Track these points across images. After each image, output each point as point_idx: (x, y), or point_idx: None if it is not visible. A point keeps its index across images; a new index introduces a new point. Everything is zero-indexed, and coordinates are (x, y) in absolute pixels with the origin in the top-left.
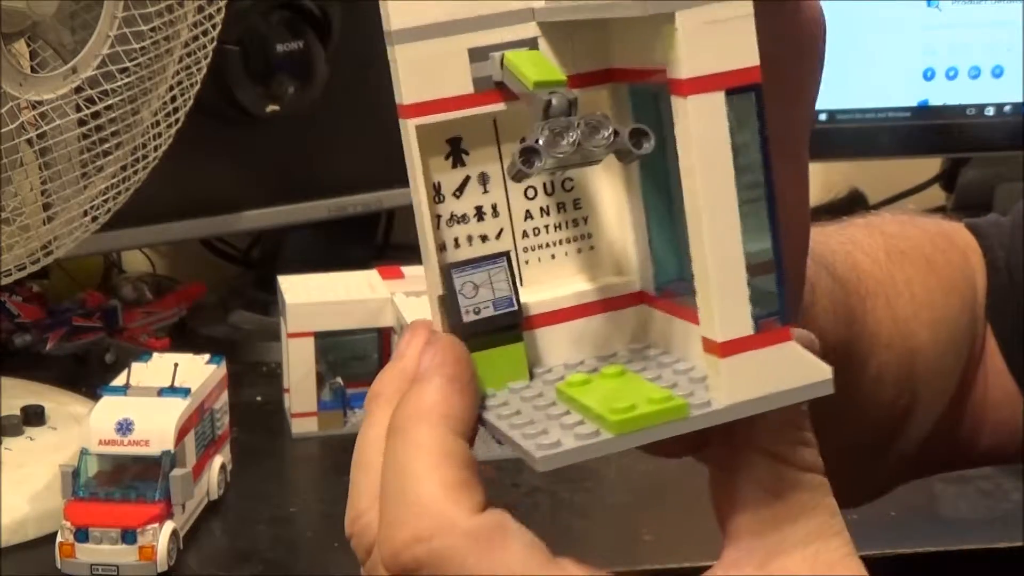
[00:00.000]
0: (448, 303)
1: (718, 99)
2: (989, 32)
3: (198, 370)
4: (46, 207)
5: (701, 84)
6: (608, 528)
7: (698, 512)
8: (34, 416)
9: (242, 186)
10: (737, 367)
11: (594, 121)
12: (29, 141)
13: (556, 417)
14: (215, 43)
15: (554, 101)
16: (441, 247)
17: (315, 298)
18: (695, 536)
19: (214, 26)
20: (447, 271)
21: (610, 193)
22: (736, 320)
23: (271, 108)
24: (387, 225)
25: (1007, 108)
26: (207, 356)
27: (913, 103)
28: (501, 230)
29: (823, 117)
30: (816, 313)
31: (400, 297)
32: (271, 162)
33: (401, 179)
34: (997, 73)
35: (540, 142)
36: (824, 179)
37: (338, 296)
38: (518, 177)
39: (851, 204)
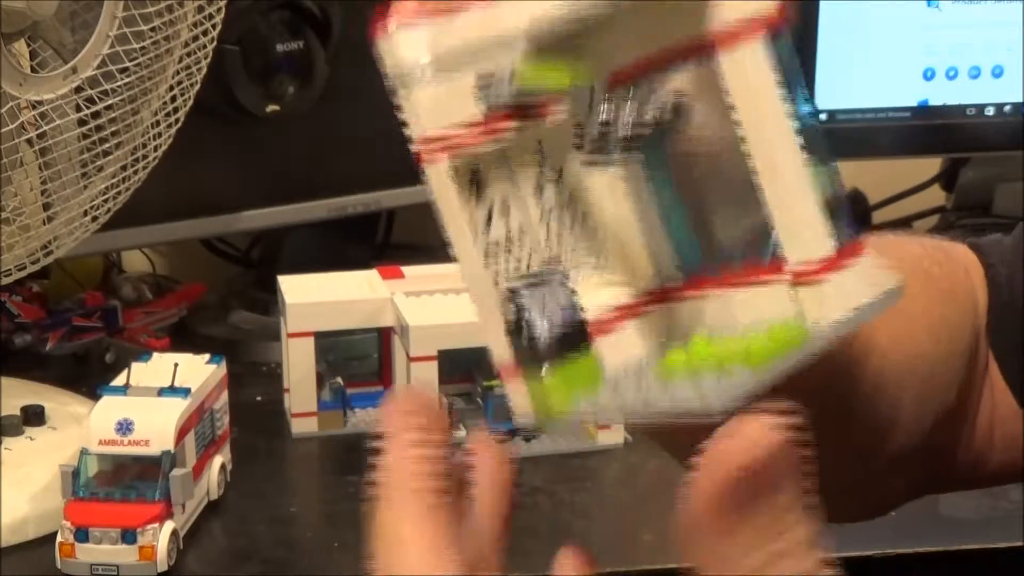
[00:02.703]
0: (516, 335)
1: (760, 43)
2: (989, 32)
3: (198, 370)
4: (46, 207)
5: (747, 29)
6: (608, 528)
7: None
8: (34, 416)
9: (242, 186)
10: (836, 285)
11: (639, 96)
12: (29, 141)
13: (687, 384)
14: (215, 43)
15: (596, 87)
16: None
17: (315, 298)
18: None
19: (214, 26)
20: (512, 302)
21: (612, 202)
22: (822, 243)
23: (271, 108)
24: (387, 225)
25: (1007, 108)
26: (207, 356)
27: (913, 103)
28: (531, 251)
29: (823, 117)
30: None
31: (400, 297)
32: (271, 162)
33: (401, 179)
34: (997, 73)
35: (610, 120)
36: None
37: (338, 296)
38: (598, 160)
39: (851, 204)
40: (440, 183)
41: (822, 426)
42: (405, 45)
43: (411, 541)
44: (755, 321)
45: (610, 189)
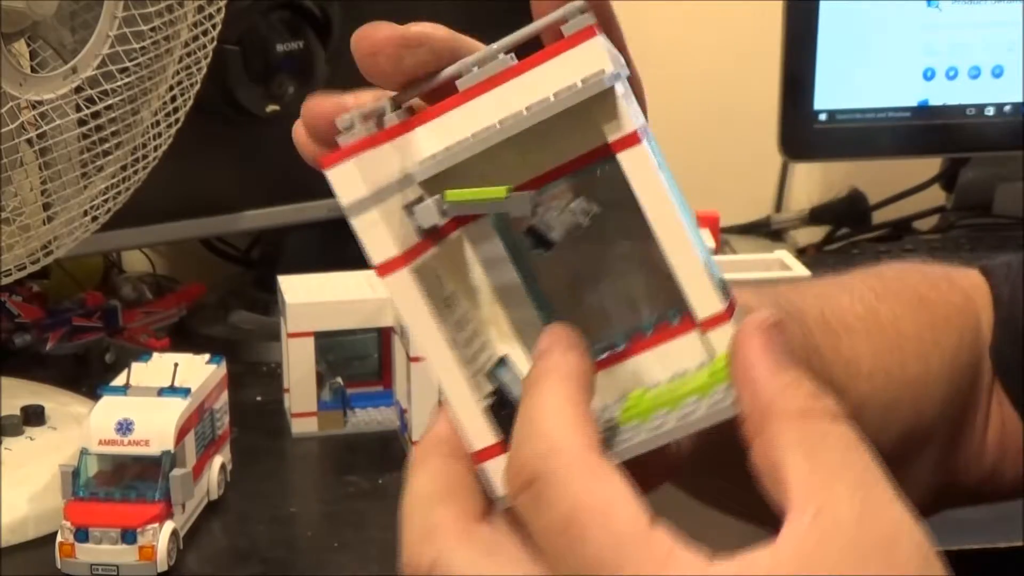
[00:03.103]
0: (496, 410)
1: (646, 144)
2: (989, 32)
3: (198, 370)
4: (46, 207)
5: (633, 137)
6: None
7: (699, 512)
8: (34, 416)
9: (242, 186)
10: (732, 328)
11: (569, 202)
12: (29, 141)
13: (663, 416)
14: (215, 43)
15: (533, 195)
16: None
17: (315, 298)
18: (695, 536)
19: (214, 26)
20: (487, 379)
21: (551, 283)
22: (716, 301)
23: (271, 108)
24: None
25: (1007, 108)
26: (207, 356)
27: (913, 103)
28: (481, 336)
29: (823, 117)
30: None
31: None
32: (271, 162)
33: None
34: (997, 73)
35: (551, 219)
36: (824, 179)
37: (338, 296)
38: (543, 251)
39: (851, 204)
40: (402, 290)
41: None
42: (342, 180)
43: (556, 411)
44: (679, 370)
45: (551, 275)
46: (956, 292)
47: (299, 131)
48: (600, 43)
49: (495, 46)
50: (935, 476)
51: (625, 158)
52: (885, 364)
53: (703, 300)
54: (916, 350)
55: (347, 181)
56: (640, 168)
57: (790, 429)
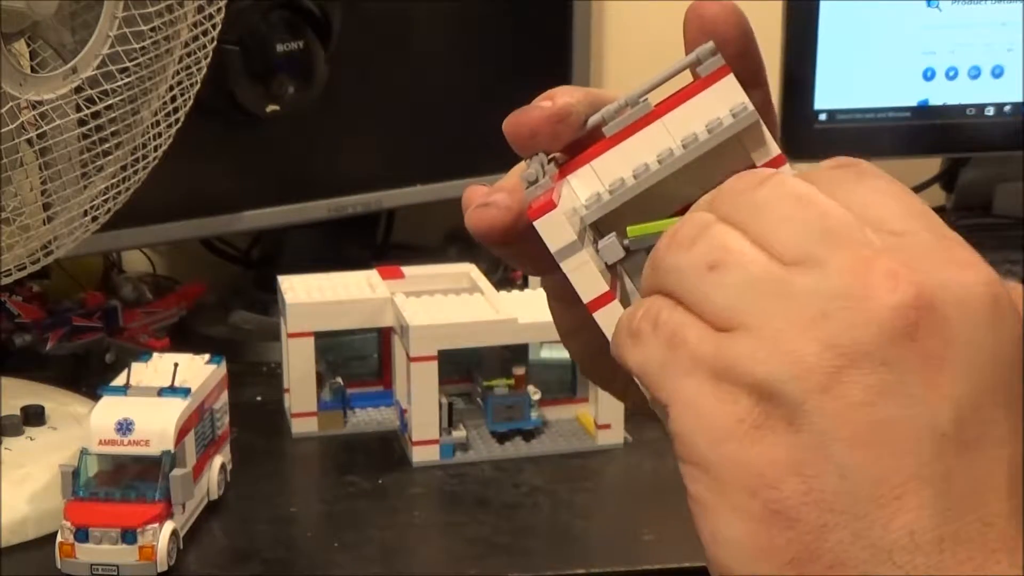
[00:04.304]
0: None
1: (788, 168)
2: (989, 32)
3: (198, 370)
4: (46, 207)
5: (783, 158)
6: (608, 528)
7: None
8: (34, 416)
9: (242, 186)
10: None
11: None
12: (29, 141)
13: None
14: (215, 43)
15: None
16: None
17: (315, 298)
18: (695, 536)
19: (214, 26)
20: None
21: None
22: None
23: (271, 108)
24: (387, 225)
25: (1007, 108)
26: (207, 356)
27: (913, 103)
28: None
29: (823, 117)
30: None
31: (400, 297)
32: (271, 162)
33: (401, 179)
34: (997, 73)
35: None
36: None
37: (338, 296)
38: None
39: None
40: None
41: None
42: (552, 228)
43: None
44: None
45: None
46: None
47: (485, 215)
48: (734, 81)
49: (634, 92)
50: None
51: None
52: None
53: None
54: None
55: (556, 228)
56: None
57: None
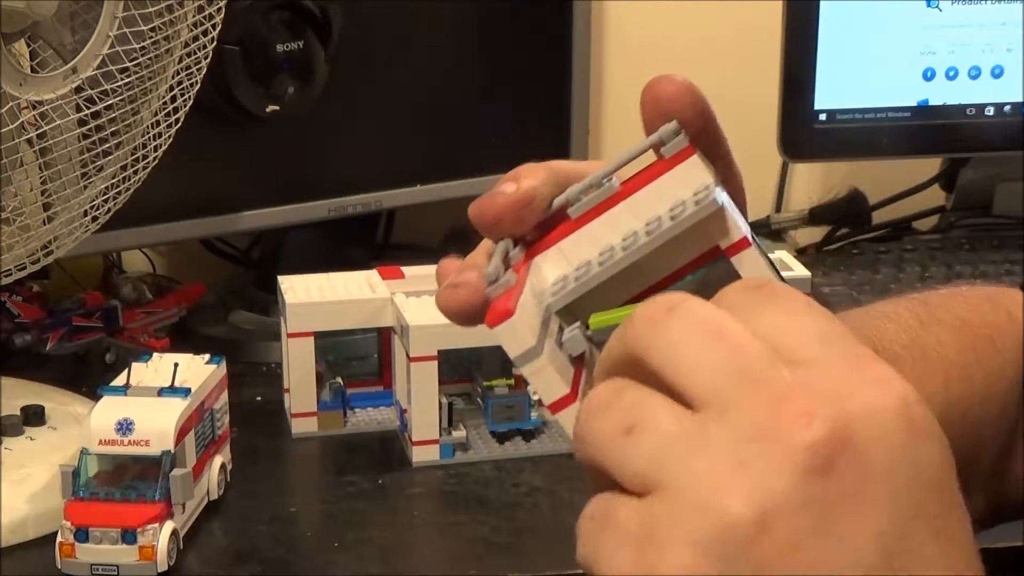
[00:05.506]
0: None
1: (755, 249)
2: (989, 32)
3: (198, 370)
4: (46, 207)
5: (747, 240)
6: None
7: None
8: (34, 416)
9: (242, 186)
10: None
11: None
12: (29, 141)
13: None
14: (215, 43)
15: None
16: None
17: (315, 298)
18: None
19: (214, 26)
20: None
21: None
22: None
23: (271, 108)
24: (387, 225)
25: (1007, 108)
26: (207, 356)
27: (913, 103)
28: None
29: (823, 117)
30: None
31: (400, 297)
32: (271, 162)
33: (401, 179)
34: (997, 73)
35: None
36: (824, 179)
37: (338, 296)
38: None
39: (851, 204)
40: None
41: None
42: (511, 335)
43: None
44: None
45: None
46: (999, 312)
47: (455, 296)
48: (698, 161)
49: (599, 172)
50: (986, 493)
51: (738, 260)
52: (929, 391)
53: None
54: (960, 373)
55: (514, 335)
56: (752, 266)
57: None
